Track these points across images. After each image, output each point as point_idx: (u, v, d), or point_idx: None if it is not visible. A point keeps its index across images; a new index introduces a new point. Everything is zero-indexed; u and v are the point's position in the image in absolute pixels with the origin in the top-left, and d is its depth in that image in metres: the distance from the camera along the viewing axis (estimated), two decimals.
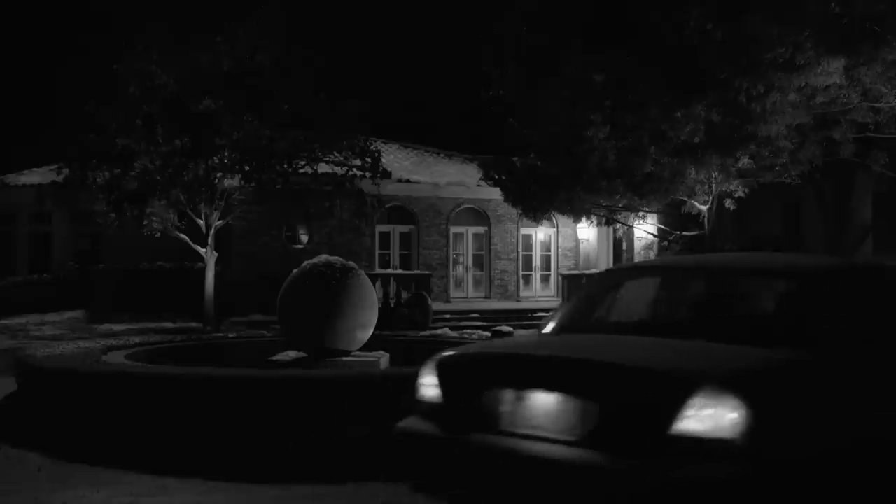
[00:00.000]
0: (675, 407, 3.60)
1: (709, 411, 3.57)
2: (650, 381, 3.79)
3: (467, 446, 4.15)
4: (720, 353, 4.03)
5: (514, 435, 4.00)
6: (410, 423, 4.53)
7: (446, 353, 4.64)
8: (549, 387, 4.01)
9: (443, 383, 4.42)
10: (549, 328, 5.11)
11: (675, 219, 20.56)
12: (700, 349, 4.12)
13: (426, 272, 22.85)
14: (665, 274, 5.72)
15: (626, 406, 3.76)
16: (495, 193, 21.96)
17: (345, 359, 8.70)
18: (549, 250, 28.15)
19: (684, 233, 19.64)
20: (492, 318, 21.39)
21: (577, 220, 22.94)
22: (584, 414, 3.83)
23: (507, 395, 4.13)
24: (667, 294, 5.53)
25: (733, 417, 3.56)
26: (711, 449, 3.55)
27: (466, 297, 26.36)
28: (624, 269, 7.11)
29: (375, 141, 20.24)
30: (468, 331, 16.12)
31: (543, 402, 4.00)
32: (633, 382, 3.81)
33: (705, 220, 18.37)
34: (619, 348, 4.28)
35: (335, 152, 19.05)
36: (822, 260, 6.04)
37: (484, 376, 4.33)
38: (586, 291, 6.35)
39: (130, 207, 17.76)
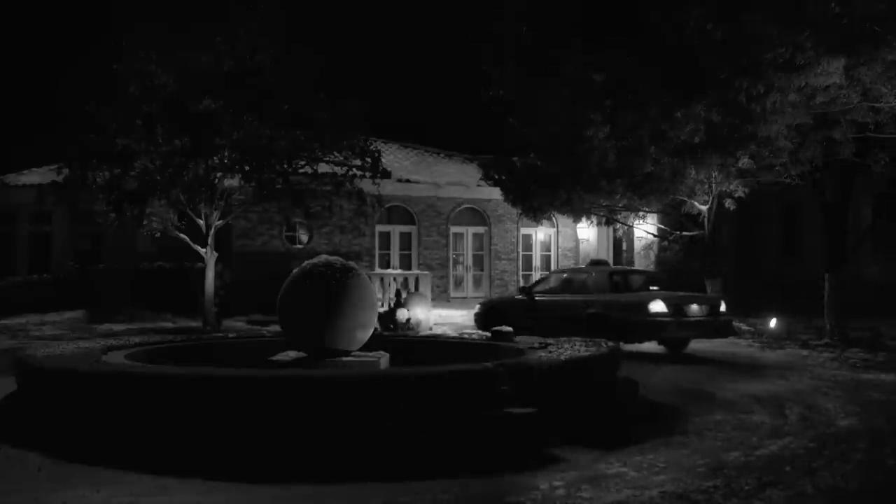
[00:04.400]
0: (645, 307, 13.92)
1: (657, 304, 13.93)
2: (627, 304, 14.23)
3: (685, 319, 13.90)
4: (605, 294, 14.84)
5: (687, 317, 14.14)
6: (653, 317, 13.54)
7: (660, 299, 13.80)
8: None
9: (667, 306, 13.62)
10: (542, 289, 16.09)
11: (675, 219, 20.57)
12: (602, 294, 14.81)
13: (426, 272, 22.84)
14: (562, 273, 16.69)
15: (621, 311, 14.09)
16: (495, 193, 21.96)
17: (345, 359, 8.68)
18: (549, 250, 28.16)
19: (684, 233, 19.64)
20: None
21: (577, 220, 22.94)
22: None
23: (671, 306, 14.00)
24: (566, 281, 15.87)
25: (662, 309, 13.83)
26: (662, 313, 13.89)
27: (466, 297, 26.33)
28: (554, 272, 14.46)
29: (375, 141, 20.20)
30: (468, 330, 16.11)
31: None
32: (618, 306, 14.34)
33: (705, 220, 18.38)
34: (601, 297, 14.68)
35: (335, 152, 19.01)
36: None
37: (677, 303, 14.03)
38: (541, 280, 14.13)
39: (130, 207, 17.73)
